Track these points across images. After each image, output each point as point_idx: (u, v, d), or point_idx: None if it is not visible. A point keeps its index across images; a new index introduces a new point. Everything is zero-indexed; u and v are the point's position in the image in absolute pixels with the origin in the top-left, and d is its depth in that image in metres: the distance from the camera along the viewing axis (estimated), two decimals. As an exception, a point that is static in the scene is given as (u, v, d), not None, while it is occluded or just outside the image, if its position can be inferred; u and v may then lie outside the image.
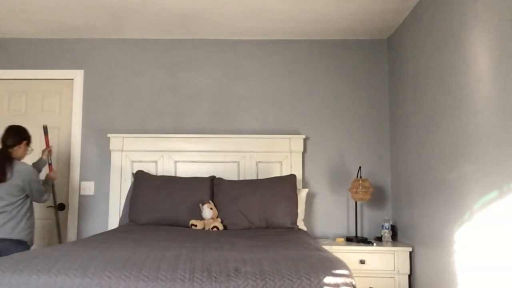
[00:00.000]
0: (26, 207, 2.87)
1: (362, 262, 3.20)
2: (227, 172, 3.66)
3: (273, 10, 3.27)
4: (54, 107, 3.86)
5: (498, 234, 2.04)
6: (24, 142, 2.93)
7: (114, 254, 1.81)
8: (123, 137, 3.69)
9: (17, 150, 2.88)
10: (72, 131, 3.79)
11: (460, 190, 2.43)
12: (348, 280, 1.59)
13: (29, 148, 3.00)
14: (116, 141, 3.69)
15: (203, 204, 3.15)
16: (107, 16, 3.41)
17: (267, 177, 3.59)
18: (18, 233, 2.78)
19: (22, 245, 2.80)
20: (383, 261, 3.20)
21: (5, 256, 2.43)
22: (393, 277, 3.19)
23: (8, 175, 2.78)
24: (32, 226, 2.91)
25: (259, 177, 3.64)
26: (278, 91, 3.83)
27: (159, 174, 3.66)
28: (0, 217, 2.76)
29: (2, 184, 2.76)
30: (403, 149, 3.40)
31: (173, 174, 3.66)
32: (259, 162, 3.68)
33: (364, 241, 3.35)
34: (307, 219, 3.71)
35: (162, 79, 3.85)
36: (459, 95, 2.45)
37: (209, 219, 3.09)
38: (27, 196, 2.91)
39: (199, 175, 3.66)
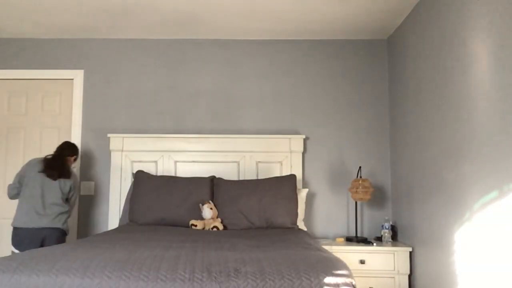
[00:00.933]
0: (67, 204, 3.26)
1: (362, 262, 3.20)
2: (227, 172, 3.66)
3: (273, 10, 3.27)
4: (54, 107, 3.86)
5: (498, 234, 2.04)
6: (75, 156, 3.40)
7: (114, 254, 1.81)
8: (123, 137, 3.69)
9: (68, 160, 3.33)
10: (72, 131, 3.79)
11: (460, 190, 2.43)
12: (348, 280, 1.59)
13: (74, 164, 3.48)
14: (116, 141, 3.69)
15: (203, 204, 3.15)
16: (107, 16, 3.41)
17: (267, 177, 3.59)
18: (66, 225, 3.20)
19: (66, 235, 3.24)
20: (383, 261, 3.20)
21: (49, 242, 3.06)
22: (393, 277, 3.19)
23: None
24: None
25: (259, 177, 3.64)
26: (278, 91, 3.83)
27: (159, 174, 3.66)
28: (55, 208, 3.14)
29: (63, 180, 3.20)
30: (403, 149, 3.40)
31: (173, 174, 3.66)
32: (259, 162, 3.68)
33: (364, 241, 3.35)
34: (307, 219, 3.71)
35: (162, 79, 3.85)
36: (459, 95, 2.45)
37: (209, 219, 3.09)
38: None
39: (199, 175, 3.66)
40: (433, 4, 2.82)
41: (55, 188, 3.15)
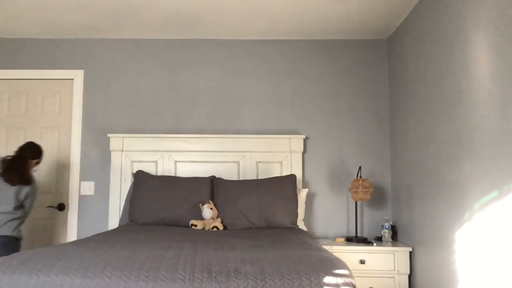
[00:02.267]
0: (20, 210, 3.06)
1: (362, 262, 3.20)
2: (227, 172, 3.66)
3: (273, 10, 3.27)
4: (54, 107, 3.86)
5: (498, 234, 2.04)
6: (37, 160, 3.18)
7: (114, 254, 1.81)
8: (123, 137, 3.69)
9: (30, 163, 3.11)
10: (72, 131, 3.79)
11: (460, 190, 2.43)
12: (348, 280, 1.59)
13: (36, 168, 3.22)
14: (116, 141, 3.69)
15: (203, 204, 3.15)
16: (107, 16, 3.41)
17: (267, 177, 3.59)
18: (17, 232, 3.00)
19: (19, 240, 3.03)
20: (383, 261, 3.20)
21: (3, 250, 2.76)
22: (393, 277, 3.19)
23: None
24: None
25: (259, 177, 3.64)
26: (278, 91, 3.83)
27: (159, 174, 3.66)
28: (3, 216, 2.93)
29: (20, 186, 2.98)
30: (403, 149, 3.40)
31: (173, 174, 3.66)
32: (259, 162, 3.68)
33: (364, 241, 3.35)
34: (307, 219, 3.71)
35: (162, 79, 3.85)
36: (459, 95, 2.45)
37: (209, 219, 3.09)
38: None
39: (199, 175, 3.66)
40: (433, 4, 2.82)
41: (10, 195, 2.93)
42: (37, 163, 3.19)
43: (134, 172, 3.56)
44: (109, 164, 3.76)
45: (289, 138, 3.68)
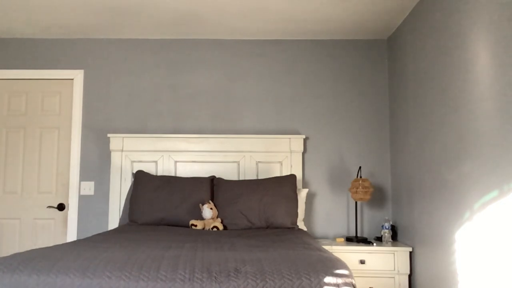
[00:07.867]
0: None
1: (362, 262, 3.20)
2: (227, 172, 3.66)
3: (273, 10, 3.27)
4: (54, 107, 3.86)
5: (498, 234, 2.04)
6: None
7: (114, 254, 1.81)
8: (123, 137, 3.69)
9: None
10: (72, 131, 3.79)
11: (460, 190, 2.43)
12: (348, 280, 1.59)
13: None
14: (116, 141, 3.69)
15: (203, 204, 3.15)
16: (107, 16, 3.41)
17: (267, 177, 3.59)
18: None
19: None
20: (383, 261, 3.20)
21: None
22: (393, 277, 3.19)
23: None
24: None
25: (259, 177, 3.64)
26: (278, 91, 3.83)
27: (159, 174, 3.66)
28: None
29: None
30: (403, 149, 3.40)
31: (173, 174, 3.66)
32: (259, 162, 3.68)
33: (364, 241, 3.35)
34: (307, 219, 3.71)
35: (162, 79, 3.85)
36: (459, 95, 2.45)
37: (209, 219, 3.09)
38: None
39: (199, 175, 3.66)
40: (433, 4, 2.82)
41: None
42: None
43: (134, 172, 3.56)
44: (109, 164, 3.76)
45: (289, 138, 3.68)
